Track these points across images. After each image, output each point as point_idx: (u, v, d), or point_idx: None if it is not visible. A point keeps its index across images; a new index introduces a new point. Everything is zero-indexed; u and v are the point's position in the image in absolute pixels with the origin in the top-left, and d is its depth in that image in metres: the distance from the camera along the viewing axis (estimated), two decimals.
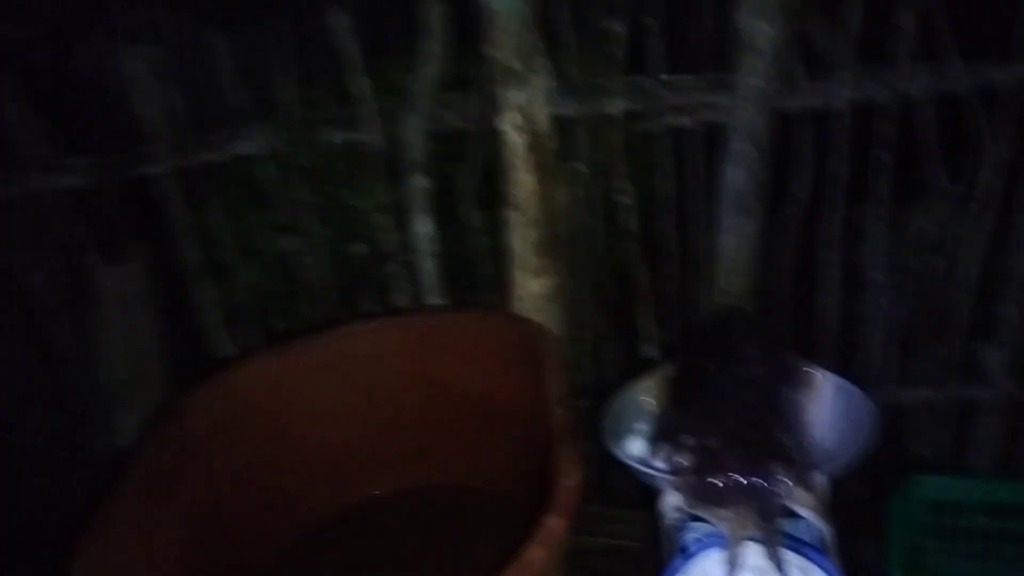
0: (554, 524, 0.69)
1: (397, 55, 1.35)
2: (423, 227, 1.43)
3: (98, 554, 0.74)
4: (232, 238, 1.52)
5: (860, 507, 1.09)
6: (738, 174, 1.31)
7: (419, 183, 1.41)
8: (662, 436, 0.80)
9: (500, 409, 1.03)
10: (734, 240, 1.37)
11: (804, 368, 0.92)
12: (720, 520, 0.70)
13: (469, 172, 1.37)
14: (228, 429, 0.96)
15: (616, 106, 1.31)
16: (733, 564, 0.70)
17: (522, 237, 1.17)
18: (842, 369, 1.48)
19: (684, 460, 0.73)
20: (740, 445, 0.72)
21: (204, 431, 0.94)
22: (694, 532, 0.83)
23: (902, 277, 1.43)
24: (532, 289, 1.17)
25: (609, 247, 1.51)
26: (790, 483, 0.68)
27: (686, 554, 0.80)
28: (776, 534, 0.68)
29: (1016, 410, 1.46)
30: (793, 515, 0.70)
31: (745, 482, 0.69)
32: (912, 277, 1.41)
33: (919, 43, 1.24)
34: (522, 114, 1.13)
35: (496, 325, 1.06)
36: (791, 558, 0.70)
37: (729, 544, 0.70)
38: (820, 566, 0.77)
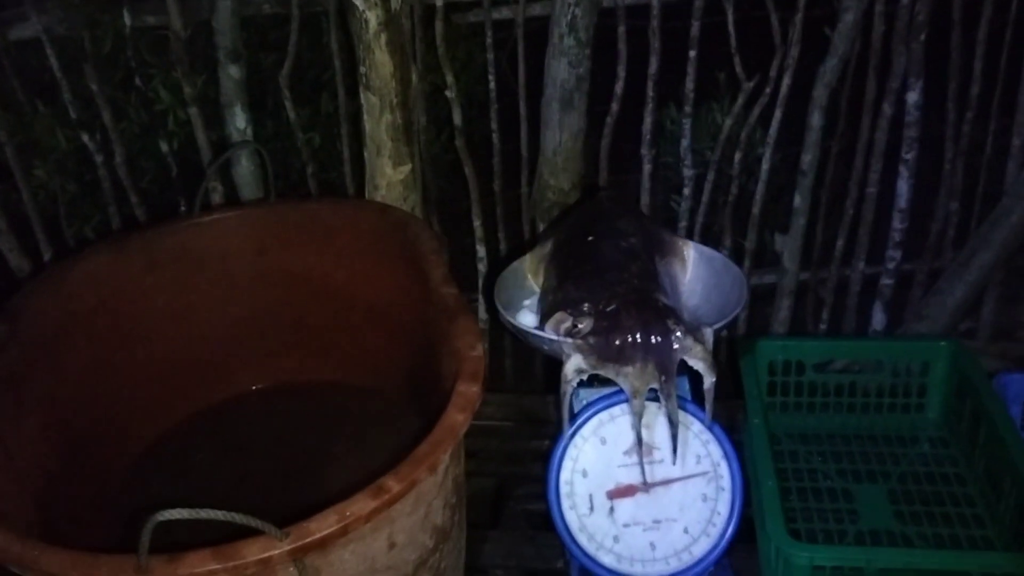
0: (467, 390, 0.69)
1: None
2: (239, 122, 1.34)
3: None
4: (14, 135, 1.35)
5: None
6: (561, 67, 1.34)
7: (232, 73, 1.31)
8: (557, 305, 0.81)
9: (370, 302, 1.00)
10: (558, 136, 1.40)
11: (674, 239, 0.97)
12: (622, 377, 0.74)
13: (287, 60, 1.30)
14: (68, 331, 0.87)
15: None
16: (638, 416, 0.74)
17: (379, 122, 1.12)
18: None
19: (583, 324, 0.76)
20: (633, 306, 0.75)
21: (41, 334, 0.84)
22: (582, 397, 0.87)
23: (705, 171, 1.53)
24: (391, 176, 1.13)
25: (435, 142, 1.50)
26: (684, 338, 0.72)
27: (579, 418, 0.84)
28: (673, 387, 0.72)
29: (803, 290, 1.63)
30: (687, 368, 0.74)
31: (643, 339, 0.73)
32: (714, 172, 1.51)
33: None
34: None
35: (357, 214, 1.02)
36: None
37: (632, 399, 0.73)
38: (697, 417, 0.84)
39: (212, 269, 0.99)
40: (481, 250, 1.53)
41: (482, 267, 1.53)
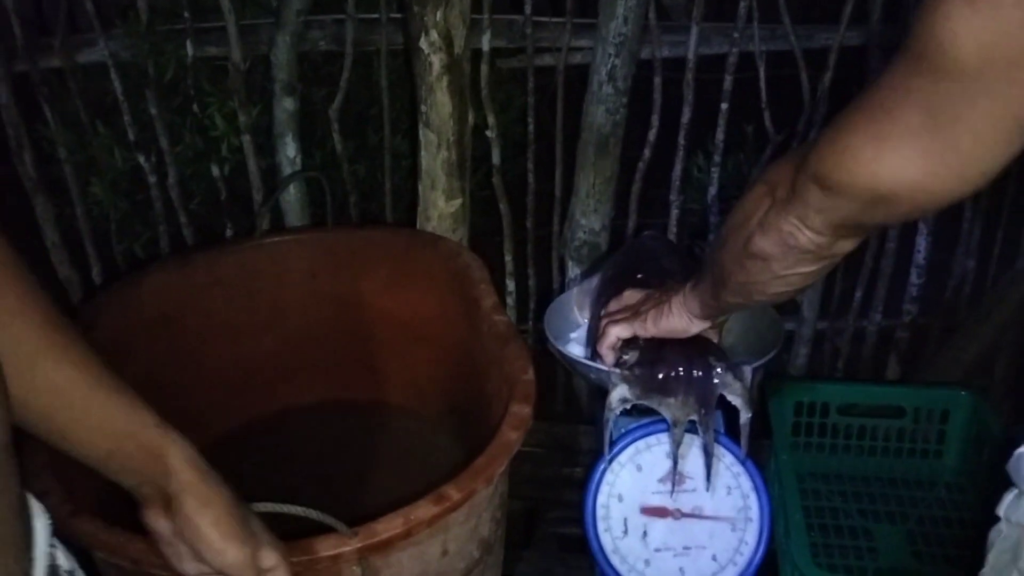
0: (520, 410, 0.74)
1: None
2: (289, 152, 1.40)
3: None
4: (73, 153, 1.41)
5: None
6: (599, 114, 1.40)
7: (287, 105, 1.38)
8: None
9: (417, 327, 1.05)
10: (592, 178, 1.45)
11: None
12: (664, 407, 0.78)
13: (338, 95, 1.37)
14: (134, 340, 0.92)
15: (486, 41, 1.36)
16: (677, 444, 0.79)
17: (436, 158, 1.19)
18: None
19: (629, 356, 0.80)
20: (678, 342, 0.80)
21: (109, 340, 0.89)
22: (620, 426, 0.91)
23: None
24: (443, 209, 1.19)
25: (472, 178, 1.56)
26: (724, 374, 0.77)
27: (617, 445, 0.89)
28: (711, 420, 0.77)
29: (820, 339, 1.67)
30: (723, 403, 0.79)
31: (686, 373, 0.78)
32: None
33: (759, 4, 1.37)
34: (441, 35, 1.14)
35: (410, 243, 1.07)
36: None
37: (672, 428, 0.78)
38: (730, 450, 0.88)
39: (269, 288, 1.04)
40: (510, 284, 1.58)
41: (511, 301, 1.58)
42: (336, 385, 1.11)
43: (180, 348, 0.99)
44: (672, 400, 0.78)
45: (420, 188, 1.21)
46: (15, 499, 0.48)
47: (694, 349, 0.79)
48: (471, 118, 1.22)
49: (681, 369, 0.78)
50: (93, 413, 0.57)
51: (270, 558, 0.60)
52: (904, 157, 0.49)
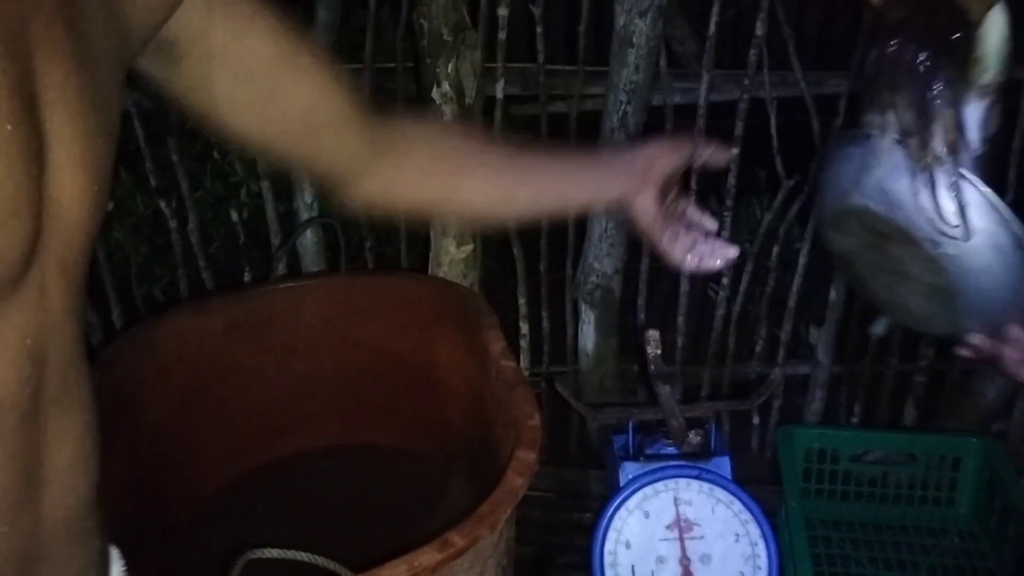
0: (526, 456, 0.75)
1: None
2: (307, 197, 1.43)
3: None
4: None
5: None
6: None
7: None
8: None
9: (428, 372, 1.06)
10: (604, 222, 1.47)
11: None
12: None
13: None
14: (150, 382, 0.94)
15: (499, 89, 1.38)
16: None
17: None
18: (692, 346, 1.66)
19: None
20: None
21: (128, 384, 0.91)
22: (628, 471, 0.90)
23: (743, 263, 1.59)
24: (454, 255, 1.21)
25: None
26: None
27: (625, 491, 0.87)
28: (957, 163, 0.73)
29: (836, 383, 1.66)
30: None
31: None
32: (751, 263, 1.57)
33: (770, 52, 1.40)
34: (452, 86, 1.17)
35: (421, 288, 1.09)
36: None
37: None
38: (738, 496, 0.86)
39: (283, 332, 1.06)
40: (524, 327, 1.59)
41: (524, 344, 1.59)
42: (349, 429, 1.12)
43: (195, 390, 1.01)
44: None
45: (432, 234, 1.23)
46: (95, 552, 0.51)
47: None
48: None
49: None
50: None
51: None
52: None
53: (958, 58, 0.76)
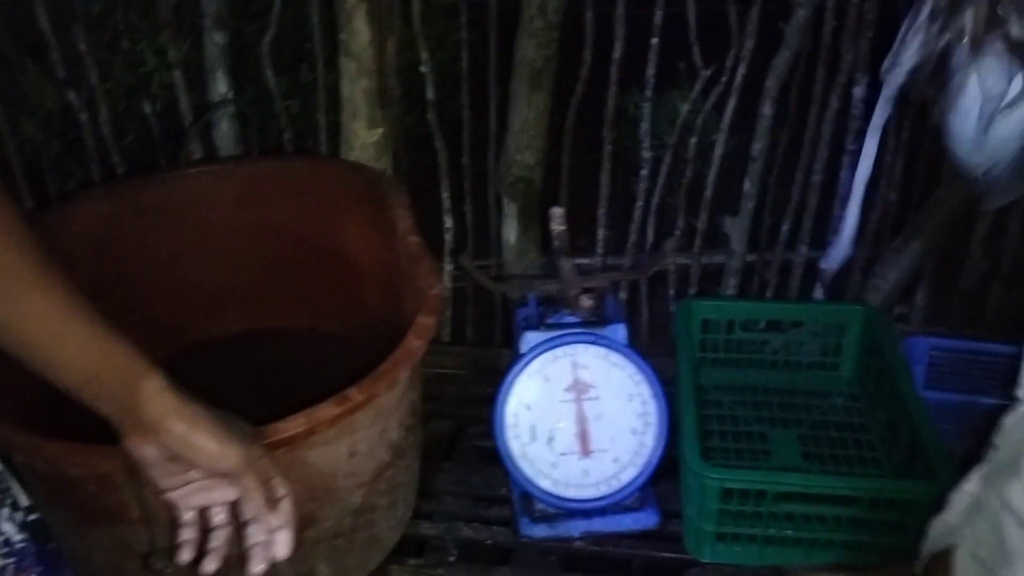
0: (425, 320, 0.78)
1: None
2: (220, 87, 1.41)
3: None
4: (1, 90, 1.41)
5: None
6: (530, 48, 1.42)
7: (217, 40, 1.38)
8: None
9: (342, 253, 1.08)
10: (525, 113, 1.48)
11: None
12: None
13: (269, 29, 1.37)
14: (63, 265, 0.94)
15: None
16: None
17: (356, 86, 1.20)
18: (614, 239, 1.70)
19: None
20: None
21: None
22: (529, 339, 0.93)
23: (662, 155, 1.62)
24: (364, 139, 1.21)
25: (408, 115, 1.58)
26: None
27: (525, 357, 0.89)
28: None
29: (749, 272, 1.73)
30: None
31: None
32: (671, 155, 1.60)
33: None
34: None
35: (332, 171, 1.10)
36: None
37: None
38: (631, 359, 0.90)
39: (196, 217, 1.07)
40: (448, 221, 1.61)
41: (449, 237, 1.61)
42: (264, 313, 1.14)
43: (106, 277, 1.01)
44: None
45: (342, 117, 1.23)
46: None
47: None
48: (391, 46, 1.24)
49: None
50: (71, 341, 0.60)
51: (257, 449, 0.65)
52: None
53: None
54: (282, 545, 0.66)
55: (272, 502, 0.66)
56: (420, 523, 0.99)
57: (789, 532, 0.90)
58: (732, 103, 1.53)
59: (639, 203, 1.64)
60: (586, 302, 0.95)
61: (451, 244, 1.62)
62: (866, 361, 1.15)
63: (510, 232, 1.61)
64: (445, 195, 1.58)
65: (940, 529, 0.67)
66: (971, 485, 0.64)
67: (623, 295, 1.67)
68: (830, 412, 1.14)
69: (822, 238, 1.66)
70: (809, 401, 1.16)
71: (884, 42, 1.50)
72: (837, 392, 1.17)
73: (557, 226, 0.96)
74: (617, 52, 1.48)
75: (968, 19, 0.84)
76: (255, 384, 1.07)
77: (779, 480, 0.90)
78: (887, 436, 1.06)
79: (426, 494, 1.03)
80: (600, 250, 1.67)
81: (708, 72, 1.50)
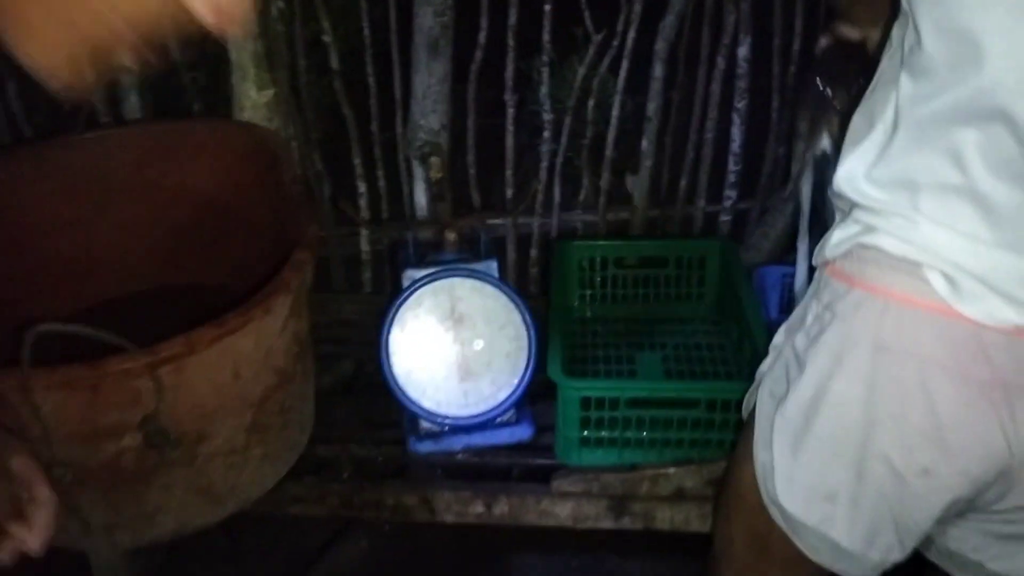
0: (301, 255, 0.85)
1: None
2: (127, 60, 1.46)
3: None
4: None
5: None
6: (427, 16, 1.50)
7: None
8: None
9: (238, 209, 1.14)
10: (427, 79, 1.56)
11: None
12: None
13: None
14: None
15: None
16: None
17: (242, 50, 1.26)
18: (517, 198, 1.79)
19: None
20: None
21: None
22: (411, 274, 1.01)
23: (563, 118, 1.71)
24: (255, 100, 1.27)
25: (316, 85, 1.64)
26: None
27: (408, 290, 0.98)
28: None
29: (652, 226, 1.83)
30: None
31: None
32: (571, 117, 1.69)
33: None
34: None
35: (226, 131, 1.16)
36: None
37: None
38: (504, 291, 0.98)
39: (98, 180, 1.13)
40: (362, 186, 1.68)
41: (363, 202, 1.69)
42: (171, 271, 1.20)
43: (11, 239, 1.06)
44: None
45: (232, 80, 1.29)
46: None
47: None
48: (275, 10, 1.30)
49: None
50: None
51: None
52: None
53: None
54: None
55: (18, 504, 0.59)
56: (318, 446, 1.08)
57: (643, 435, 1.01)
58: (625, 66, 1.63)
59: (543, 163, 1.73)
60: (450, 235, 1.04)
61: (365, 209, 1.69)
62: (726, 290, 1.26)
63: (421, 195, 1.69)
64: (356, 161, 1.65)
65: (757, 380, 0.77)
66: (778, 338, 0.74)
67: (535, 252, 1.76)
68: (692, 336, 1.25)
69: (719, 192, 1.76)
70: (675, 327, 1.27)
71: (765, 3, 1.61)
72: (700, 319, 1.28)
73: (435, 173, 1.04)
74: (512, 18, 1.57)
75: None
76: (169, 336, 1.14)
77: (627, 386, 1.00)
78: (737, 353, 1.17)
79: (326, 423, 1.12)
80: (508, 208, 1.76)
81: (600, 37, 1.59)
